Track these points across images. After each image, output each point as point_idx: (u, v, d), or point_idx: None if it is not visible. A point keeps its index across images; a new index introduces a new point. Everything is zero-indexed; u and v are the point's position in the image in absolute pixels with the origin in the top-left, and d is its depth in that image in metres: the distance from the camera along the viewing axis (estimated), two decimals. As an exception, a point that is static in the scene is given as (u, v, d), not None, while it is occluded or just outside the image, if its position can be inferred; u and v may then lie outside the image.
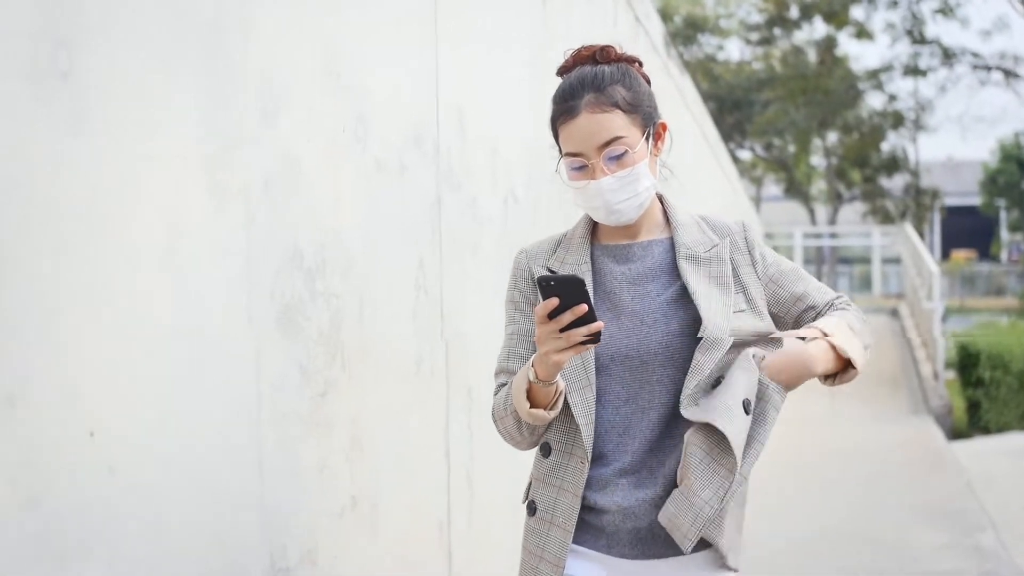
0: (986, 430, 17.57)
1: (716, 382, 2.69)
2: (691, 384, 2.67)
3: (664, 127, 2.87)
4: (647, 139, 2.78)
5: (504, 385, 2.85)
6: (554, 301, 2.45)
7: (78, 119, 2.18)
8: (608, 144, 2.71)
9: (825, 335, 2.78)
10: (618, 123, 2.72)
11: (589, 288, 2.66)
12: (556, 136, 2.81)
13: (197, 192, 2.57)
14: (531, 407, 2.66)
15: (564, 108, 2.76)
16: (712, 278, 2.79)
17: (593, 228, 2.90)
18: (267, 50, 2.87)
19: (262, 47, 2.84)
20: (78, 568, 2.16)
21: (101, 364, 2.24)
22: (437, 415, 3.94)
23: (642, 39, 8.80)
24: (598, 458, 2.73)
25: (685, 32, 42.98)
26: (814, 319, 2.88)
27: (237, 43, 2.73)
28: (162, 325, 2.44)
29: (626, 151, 2.72)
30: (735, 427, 2.60)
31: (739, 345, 2.71)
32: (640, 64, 2.87)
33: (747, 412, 2.65)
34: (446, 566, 4.01)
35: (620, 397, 2.74)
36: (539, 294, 2.62)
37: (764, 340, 2.77)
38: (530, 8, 5.20)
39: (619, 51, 2.84)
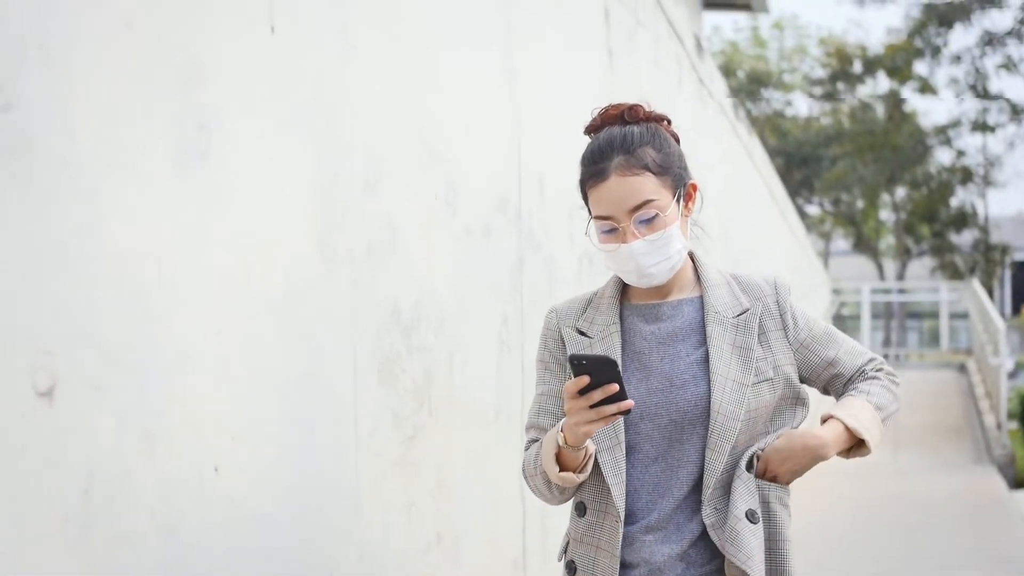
0: (1048, 479, 17.61)
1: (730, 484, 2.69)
2: (709, 483, 2.67)
3: (694, 187, 2.80)
4: (678, 200, 2.72)
5: (534, 441, 2.83)
6: (584, 379, 2.45)
7: (214, 194, 2.49)
8: (639, 208, 2.65)
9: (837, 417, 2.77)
10: (649, 186, 2.66)
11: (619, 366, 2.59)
12: (585, 198, 2.75)
13: (310, 256, 2.87)
14: (560, 471, 2.64)
15: (593, 171, 2.69)
16: (736, 348, 2.73)
17: (623, 287, 2.85)
18: (370, 129, 3.17)
19: (365, 126, 3.14)
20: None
21: (225, 407, 2.54)
22: (513, 460, 4.22)
23: (708, 100, 9.08)
24: (628, 516, 2.70)
25: (748, 87, 43.12)
26: (843, 387, 2.86)
27: (344, 123, 3.04)
28: (278, 374, 2.73)
29: (657, 214, 2.66)
30: (743, 551, 2.62)
31: (755, 419, 2.71)
32: (669, 122, 2.81)
33: (753, 521, 2.66)
34: (522, 602, 4.29)
35: (650, 456, 2.71)
36: (570, 371, 2.56)
37: (783, 408, 2.77)
38: (600, 76, 5.50)
39: (648, 110, 2.78)
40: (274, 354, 2.72)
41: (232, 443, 2.55)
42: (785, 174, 36.68)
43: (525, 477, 2.82)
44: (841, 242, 52.38)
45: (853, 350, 2.89)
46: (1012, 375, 26.57)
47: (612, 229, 2.68)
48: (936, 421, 20.28)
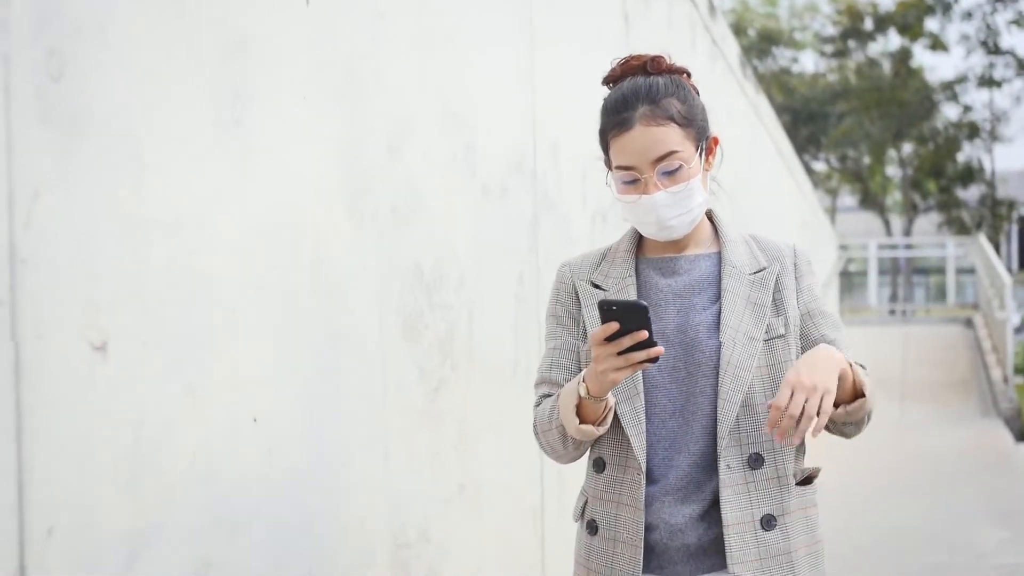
0: (1055, 433, 17.80)
1: (756, 457, 2.67)
2: (723, 434, 2.63)
3: (716, 142, 2.78)
4: (700, 154, 2.69)
5: (547, 396, 2.81)
6: (614, 326, 2.42)
7: (245, 159, 2.60)
8: (663, 158, 2.62)
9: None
10: (673, 137, 2.63)
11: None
12: (606, 148, 2.72)
13: (339, 218, 2.99)
14: (580, 423, 2.62)
15: (617, 120, 2.66)
16: (750, 303, 2.71)
17: (639, 241, 2.84)
18: (393, 95, 3.28)
19: (390, 93, 3.26)
20: (244, 536, 2.57)
21: (263, 360, 2.66)
22: (531, 412, 4.36)
23: (719, 61, 9.18)
24: (646, 472, 2.68)
25: (760, 45, 43.09)
26: None
27: (369, 91, 3.15)
28: (310, 330, 2.86)
29: (680, 166, 2.63)
30: (736, 560, 2.62)
31: (776, 377, 2.67)
32: (689, 75, 2.80)
33: (767, 528, 2.66)
34: (539, 547, 4.43)
35: (667, 410, 2.68)
36: (599, 317, 2.51)
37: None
38: (616, 41, 5.61)
39: (670, 62, 2.76)
40: (307, 311, 2.85)
41: (269, 396, 2.68)
42: (792, 131, 36.73)
43: (537, 434, 2.81)
44: (848, 198, 52.36)
45: (847, 347, 2.77)
46: (1019, 329, 26.68)
47: (634, 180, 2.66)
48: (943, 375, 20.49)
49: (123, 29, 2.20)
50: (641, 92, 2.66)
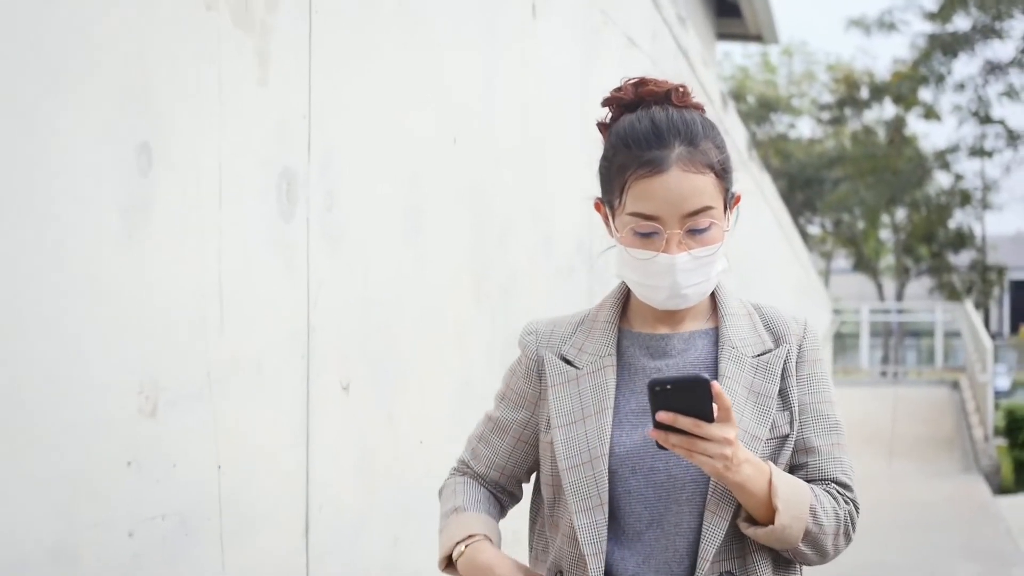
0: (1032, 488, 18.88)
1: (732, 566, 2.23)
2: (707, 554, 2.17)
3: (738, 200, 2.31)
4: (726, 213, 2.25)
5: (460, 473, 2.61)
6: (669, 415, 2.03)
7: (422, 258, 3.67)
8: (695, 213, 2.15)
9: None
10: (709, 190, 2.17)
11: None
12: (620, 188, 2.22)
13: (469, 297, 4.05)
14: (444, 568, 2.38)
15: (647, 159, 2.16)
16: (752, 393, 2.23)
17: (622, 310, 2.36)
18: (504, 206, 4.35)
19: (502, 204, 4.33)
20: (414, 524, 3.61)
21: (425, 400, 3.72)
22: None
23: (728, 144, 10.23)
24: None
25: (758, 112, 43.98)
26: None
27: (488, 200, 4.22)
28: (452, 380, 3.92)
29: (712, 225, 2.18)
30: None
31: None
32: (703, 111, 2.31)
33: None
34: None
35: (642, 520, 2.22)
36: (649, 401, 2.04)
37: None
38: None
39: (692, 95, 2.29)
40: (450, 366, 3.91)
41: (429, 425, 3.74)
42: (788, 195, 37.66)
43: (440, 498, 2.61)
44: (842, 261, 53.15)
45: (839, 459, 2.30)
46: (1009, 393, 27.45)
47: (651, 233, 2.18)
48: (929, 433, 21.55)
49: (357, 175, 3.28)
50: (678, 128, 2.19)
